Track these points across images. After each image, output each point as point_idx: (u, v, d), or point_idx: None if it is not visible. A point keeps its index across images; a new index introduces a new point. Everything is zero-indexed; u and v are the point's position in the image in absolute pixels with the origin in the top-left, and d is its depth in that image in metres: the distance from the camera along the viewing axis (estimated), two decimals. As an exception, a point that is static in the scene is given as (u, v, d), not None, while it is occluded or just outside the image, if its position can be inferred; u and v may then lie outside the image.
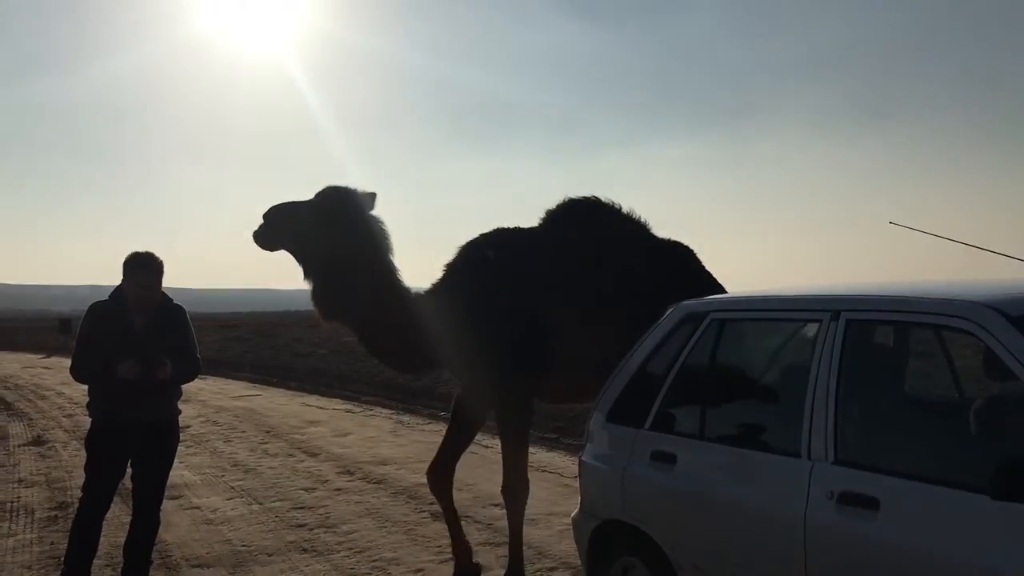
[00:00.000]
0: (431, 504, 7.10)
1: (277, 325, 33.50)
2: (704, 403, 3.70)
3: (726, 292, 5.39)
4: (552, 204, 5.29)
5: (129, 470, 4.85)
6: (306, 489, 7.92)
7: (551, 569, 5.39)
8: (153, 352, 4.58)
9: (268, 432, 11.46)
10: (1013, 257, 3.32)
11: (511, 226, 5.36)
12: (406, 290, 5.22)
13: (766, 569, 3.17)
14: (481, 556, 5.59)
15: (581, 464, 4.14)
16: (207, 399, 15.11)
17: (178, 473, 8.72)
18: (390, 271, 5.17)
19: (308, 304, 5.23)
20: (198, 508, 7.33)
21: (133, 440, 4.72)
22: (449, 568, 5.37)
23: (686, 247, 5.43)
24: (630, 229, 5.31)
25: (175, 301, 4.83)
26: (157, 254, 4.70)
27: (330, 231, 4.94)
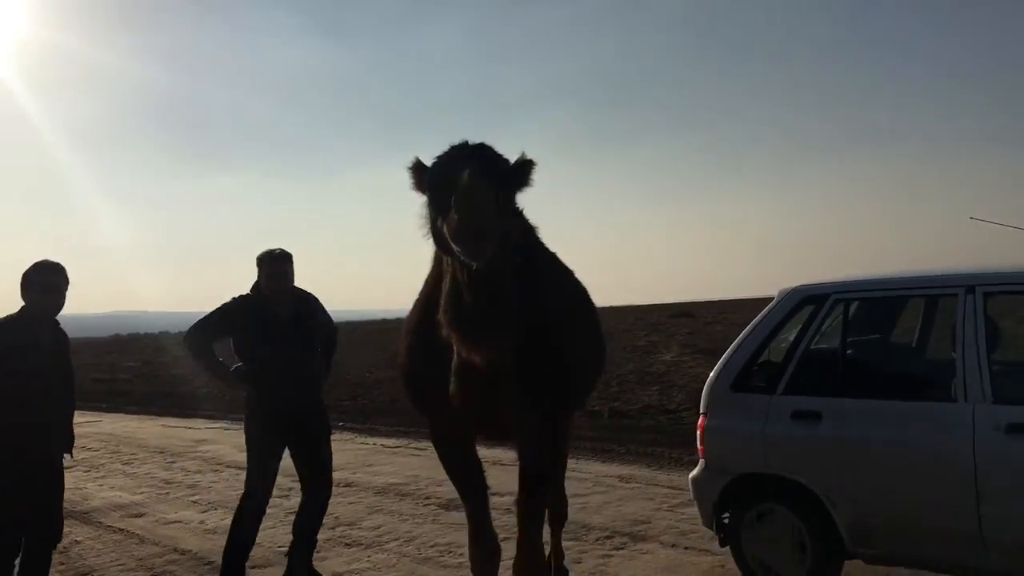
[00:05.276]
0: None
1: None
2: (844, 367, 4.46)
3: None
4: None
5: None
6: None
7: (607, 537, 5.93)
8: (299, 338, 4.86)
9: (163, 452, 11.01)
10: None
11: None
12: None
13: (934, 494, 3.97)
14: None
15: (704, 430, 4.76)
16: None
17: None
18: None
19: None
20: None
21: (286, 425, 4.88)
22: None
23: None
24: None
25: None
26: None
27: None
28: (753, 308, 5.95)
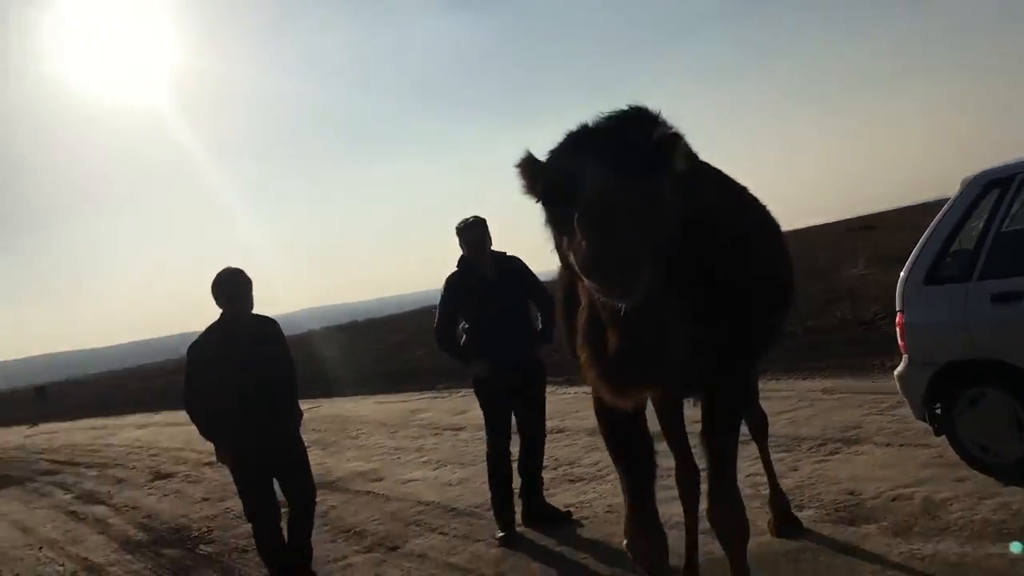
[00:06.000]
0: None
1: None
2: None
3: None
4: None
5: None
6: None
7: (820, 445, 6.12)
8: (506, 297, 5.34)
9: (384, 425, 11.92)
10: None
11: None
12: None
13: None
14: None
15: (904, 326, 4.88)
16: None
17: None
18: None
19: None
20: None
21: (506, 379, 5.36)
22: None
23: None
24: None
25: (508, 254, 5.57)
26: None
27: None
28: (933, 210, 5.94)
